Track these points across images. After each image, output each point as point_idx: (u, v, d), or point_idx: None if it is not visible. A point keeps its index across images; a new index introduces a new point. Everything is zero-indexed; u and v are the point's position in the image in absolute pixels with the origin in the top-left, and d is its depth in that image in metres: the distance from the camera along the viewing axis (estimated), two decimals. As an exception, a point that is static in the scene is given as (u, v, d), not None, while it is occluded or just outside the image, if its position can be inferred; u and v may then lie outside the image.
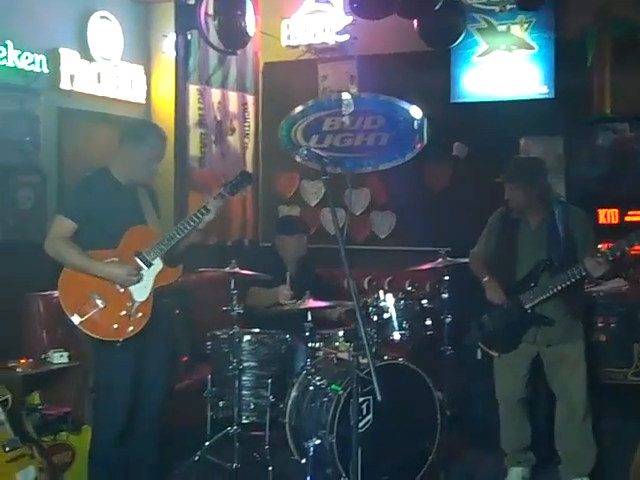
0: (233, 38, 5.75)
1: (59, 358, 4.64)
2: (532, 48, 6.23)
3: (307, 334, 4.68)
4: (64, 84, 6.09)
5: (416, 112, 6.62)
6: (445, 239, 5.85)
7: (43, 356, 4.68)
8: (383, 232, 6.91)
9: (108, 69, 6.49)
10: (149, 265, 3.98)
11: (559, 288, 4.17)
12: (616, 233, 5.22)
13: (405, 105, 6.66)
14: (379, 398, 2.92)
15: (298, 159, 6.87)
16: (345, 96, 6.85)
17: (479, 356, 4.80)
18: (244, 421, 4.69)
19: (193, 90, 6.42)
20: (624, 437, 4.46)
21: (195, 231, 4.11)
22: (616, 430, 4.74)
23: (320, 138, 6.96)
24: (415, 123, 6.64)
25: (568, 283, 4.14)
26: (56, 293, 4.00)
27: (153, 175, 4.08)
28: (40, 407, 4.41)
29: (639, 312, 5.10)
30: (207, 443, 4.69)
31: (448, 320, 4.84)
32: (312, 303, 4.67)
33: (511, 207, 4.43)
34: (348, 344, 4.74)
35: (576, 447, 4.40)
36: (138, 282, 3.94)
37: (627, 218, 5.82)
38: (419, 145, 6.64)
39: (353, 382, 3.27)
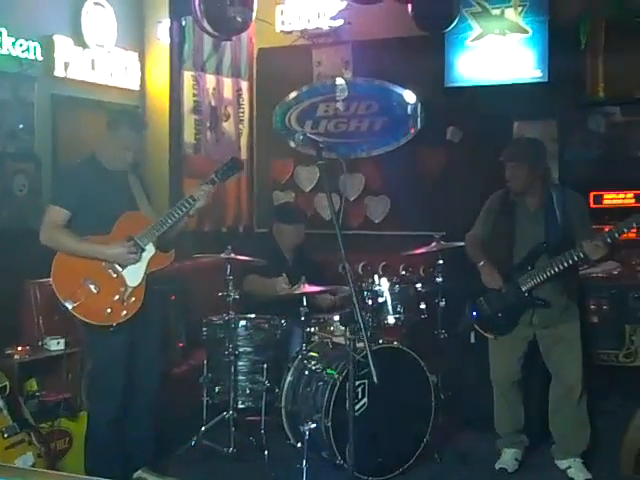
0: (221, 25, 5.70)
1: (56, 345, 4.66)
2: (526, 32, 6.21)
3: (302, 319, 4.72)
4: (58, 71, 6.06)
5: (410, 97, 6.62)
6: (439, 223, 5.90)
7: (40, 343, 4.70)
8: (377, 217, 6.93)
9: (102, 56, 6.45)
10: (141, 250, 4.01)
11: (556, 270, 4.19)
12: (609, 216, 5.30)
13: (399, 90, 6.66)
14: (375, 380, 2.96)
15: (292, 145, 6.87)
16: (339, 81, 6.85)
17: (472, 339, 4.85)
18: (240, 406, 4.73)
19: (188, 76, 6.42)
20: (615, 418, 4.52)
21: (188, 217, 4.15)
22: (607, 411, 4.78)
23: (314, 123, 6.96)
24: (409, 108, 6.64)
25: (566, 265, 4.17)
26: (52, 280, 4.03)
27: (127, 164, 4.08)
28: (37, 394, 4.45)
29: (630, 294, 5.14)
30: (203, 428, 4.73)
31: (442, 304, 4.89)
32: (307, 288, 4.70)
33: (511, 187, 4.43)
34: (343, 328, 4.77)
35: (570, 427, 4.44)
36: (136, 262, 3.98)
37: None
38: (412, 130, 6.65)
39: (349, 365, 3.30)
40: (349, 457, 3.36)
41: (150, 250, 4.03)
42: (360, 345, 3.33)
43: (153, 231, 4.01)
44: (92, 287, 3.93)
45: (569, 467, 4.43)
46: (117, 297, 3.95)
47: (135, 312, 3.98)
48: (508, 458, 4.56)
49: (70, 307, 3.90)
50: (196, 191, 4.10)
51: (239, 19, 5.56)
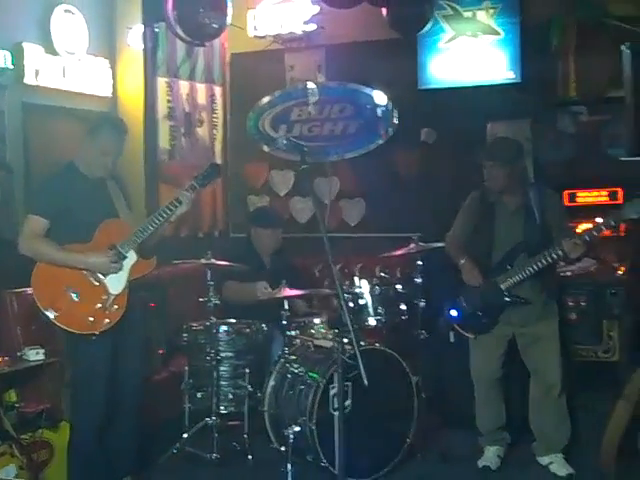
0: (195, 31, 5.68)
1: (35, 355, 4.57)
2: (498, 34, 6.26)
3: (284, 323, 4.72)
4: (29, 79, 6.02)
5: (380, 98, 6.63)
6: (414, 225, 5.90)
7: (19, 353, 4.62)
8: (353, 220, 6.93)
9: (73, 63, 6.42)
10: (123, 258, 3.99)
11: (535, 269, 4.23)
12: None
13: (371, 92, 6.66)
14: (365, 383, 2.97)
15: (266, 149, 6.89)
16: (310, 85, 6.84)
17: (452, 339, 4.87)
18: (222, 411, 4.72)
19: (162, 82, 6.40)
20: (595, 413, 4.56)
21: (167, 224, 4.13)
22: (587, 407, 4.83)
23: (288, 128, 6.93)
24: (382, 110, 6.66)
25: (545, 263, 4.21)
26: (30, 290, 3.99)
27: (108, 170, 4.05)
28: (17, 405, 4.38)
29: (607, 290, 5.20)
30: (186, 435, 4.70)
31: (422, 304, 4.91)
32: (288, 292, 4.70)
33: (489, 187, 4.45)
34: (324, 331, 4.78)
35: (551, 424, 4.49)
36: (118, 271, 3.95)
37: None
38: (386, 132, 6.65)
39: (338, 368, 3.31)
40: (339, 459, 3.35)
41: (132, 257, 4.00)
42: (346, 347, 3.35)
43: (134, 238, 3.98)
44: (73, 296, 3.90)
45: (551, 463, 4.48)
46: (99, 305, 3.92)
47: (118, 320, 3.95)
48: (491, 455, 4.59)
49: (52, 316, 3.86)
50: (177, 197, 4.08)
51: (213, 25, 5.54)
